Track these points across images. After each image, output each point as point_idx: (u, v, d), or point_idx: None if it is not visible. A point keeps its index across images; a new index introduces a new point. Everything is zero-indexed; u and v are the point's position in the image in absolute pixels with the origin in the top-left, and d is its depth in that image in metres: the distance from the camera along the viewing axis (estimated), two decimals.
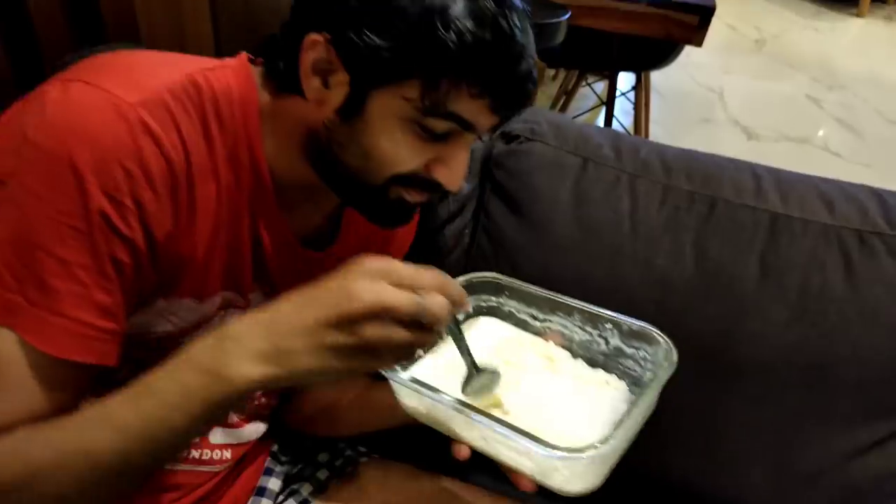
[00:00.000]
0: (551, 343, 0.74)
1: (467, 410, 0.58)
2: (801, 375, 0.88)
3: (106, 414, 0.53)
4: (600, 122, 2.96)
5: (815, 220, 0.89)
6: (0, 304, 0.52)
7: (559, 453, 0.54)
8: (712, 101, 3.57)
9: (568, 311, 0.74)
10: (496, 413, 0.63)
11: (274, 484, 0.87)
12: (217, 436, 0.76)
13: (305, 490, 0.86)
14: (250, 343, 0.50)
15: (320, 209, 0.74)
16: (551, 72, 3.59)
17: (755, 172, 0.95)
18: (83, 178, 0.52)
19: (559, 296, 0.73)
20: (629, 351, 0.71)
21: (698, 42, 2.06)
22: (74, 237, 0.53)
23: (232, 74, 0.63)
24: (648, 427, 0.94)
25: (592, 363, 0.73)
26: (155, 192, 0.56)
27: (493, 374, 0.65)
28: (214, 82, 0.62)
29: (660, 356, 0.66)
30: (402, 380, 0.63)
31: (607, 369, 0.72)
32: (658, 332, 0.68)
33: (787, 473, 0.92)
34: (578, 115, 3.24)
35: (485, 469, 0.68)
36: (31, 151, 0.53)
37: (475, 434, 0.62)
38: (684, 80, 3.74)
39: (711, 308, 0.90)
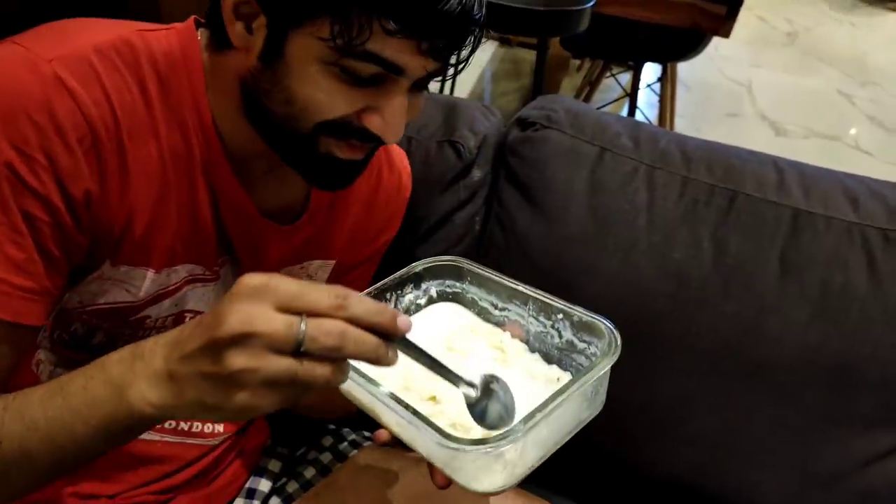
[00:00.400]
0: (507, 334, 0.70)
1: (377, 390, 0.55)
2: (822, 375, 0.86)
3: (24, 405, 0.52)
4: (624, 114, 2.92)
5: (838, 218, 0.87)
6: None
7: (452, 444, 0.49)
8: (740, 95, 3.51)
9: (524, 300, 0.69)
10: (430, 403, 0.60)
11: (275, 465, 0.87)
12: None
13: (308, 473, 0.86)
14: (152, 363, 0.47)
15: (286, 184, 0.72)
16: (576, 62, 3.55)
17: (778, 166, 0.93)
18: None
19: (516, 283, 0.69)
20: (580, 346, 0.66)
21: (725, 33, 2.02)
22: None
23: (175, 36, 0.62)
24: (661, 426, 0.93)
25: (548, 358, 0.69)
26: (68, 147, 0.55)
27: (497, 385, 0.55)
28: (153, 43, 0.60)
29: (604, 350, 0.61)
30: None
31: (562, 366, 0.68)
32: (606, 322, 0.62)
33: (803, 476, 0.90)
34: (602, 107, 3.20)
35: None
36: None
37: (391, 418, 0.59)
38: (712, 72, 3.68)
39: (730, 304, 0.88)
